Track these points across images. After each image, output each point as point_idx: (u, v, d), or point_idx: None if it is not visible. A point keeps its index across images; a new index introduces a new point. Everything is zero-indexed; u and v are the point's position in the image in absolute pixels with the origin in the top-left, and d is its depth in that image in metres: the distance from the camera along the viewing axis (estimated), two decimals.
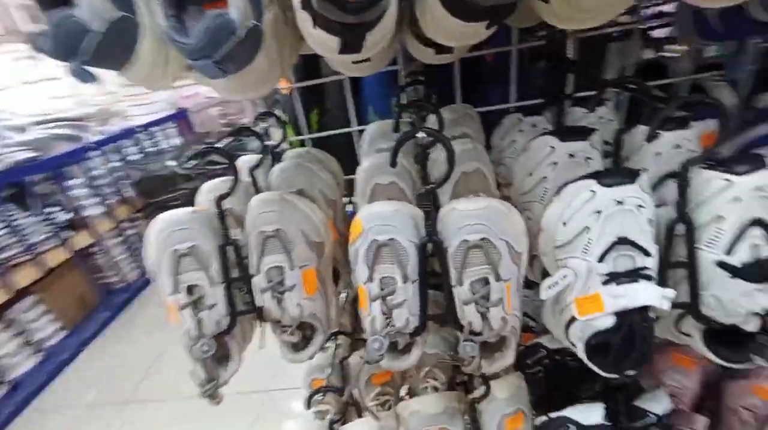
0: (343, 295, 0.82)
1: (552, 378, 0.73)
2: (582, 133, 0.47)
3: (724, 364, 0.41)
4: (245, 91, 0.37)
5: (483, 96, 0.71)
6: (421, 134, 0.36)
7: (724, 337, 0.42)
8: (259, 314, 0.50)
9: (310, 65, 0.69)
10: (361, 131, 0.69)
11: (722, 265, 0.38)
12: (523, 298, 0.62)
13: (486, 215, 0.39)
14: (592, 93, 0.53)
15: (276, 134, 0.73)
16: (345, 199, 0.70)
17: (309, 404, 0.66)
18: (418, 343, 0.47)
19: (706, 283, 0.40)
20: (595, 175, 0.39)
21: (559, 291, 0.42)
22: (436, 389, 0.72)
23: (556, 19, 0.35)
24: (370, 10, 0.28)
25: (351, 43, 0.30)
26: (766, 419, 0.66)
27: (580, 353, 0.42)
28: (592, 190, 0.39)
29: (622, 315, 0.38)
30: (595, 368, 0.41)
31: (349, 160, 0.70)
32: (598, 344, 0.41)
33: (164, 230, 0.47)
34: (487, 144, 0.66)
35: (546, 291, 0.43)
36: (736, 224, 0.37)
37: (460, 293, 0.40)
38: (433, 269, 0.44)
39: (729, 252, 0.38)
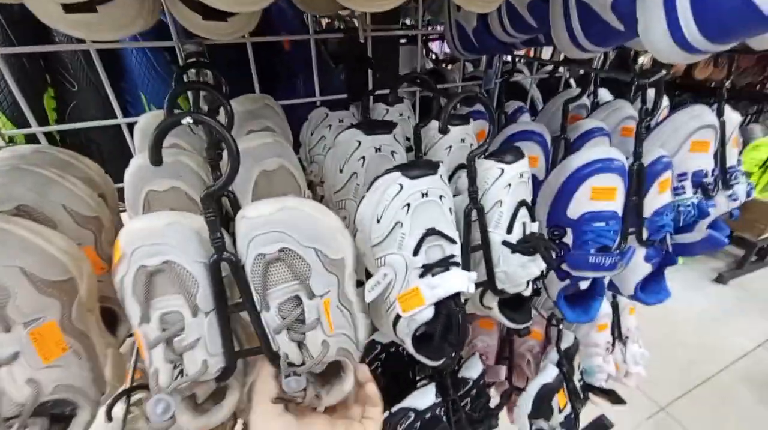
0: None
1: (389, 370, 0.74)
2: (385, 126, 0.46)
3: (515, 326, 0.48)
4: None
5: (285, 90, 0.65)
6: (186, 120, 0.26)
7: (511, 304, 0.49)
8: None
9: (28, 28, 0.48)
10: (131, 125, 0.53)
11: (505, 243, 0.43)
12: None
13: (282, 219, 0.32)
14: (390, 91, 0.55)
15: None
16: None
17: None
18: (233, 386, 0.37)
19: (497, 261, 0.45)
20: (400, 168, 0.39)
21: (382, 291, 0.40)
22: None
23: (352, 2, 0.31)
24: None
25: None
26: (539, 355, 0.84)
27: (409, 347, 0.42)
28: (400, 184, 0.38)
29: (439, 304, 0.39)
30: (423, 360, 0.41)
31: (120, 167, 0.52)
32: (421, 335, 0.41)
33: None
34: (296, 141, 0.60)
35: (369, 293, 0.40)
36: (511, 206, 0.43)
37: (268, 319, 0.33)
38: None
39: (509, 231, 0.43)
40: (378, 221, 0.39)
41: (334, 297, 0.34)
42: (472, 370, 0.67)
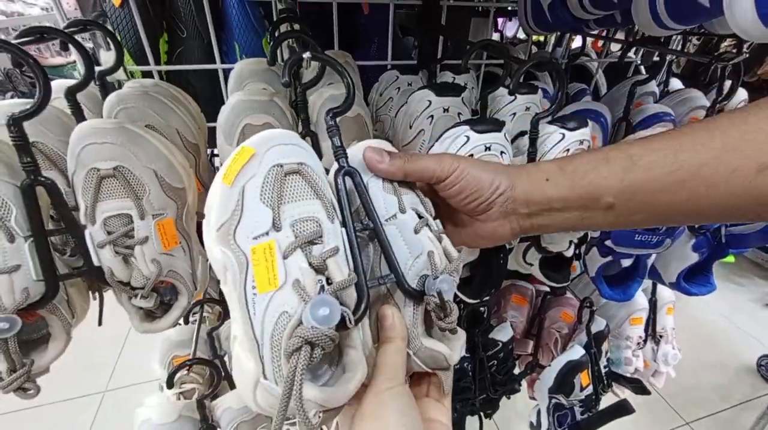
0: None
1: None
2: (455, 89, 0.50)
3: (552, 283, 0.51)
4: None
5: (360, 51, 0.70)
6: (306, 55, 0.32)
7: (552, 264, 0.52)
8: (97, 276, 0.39)
9: None
10: (226, 71, 0.60)
11: None
12: None
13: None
14: (459, 60, 0.58)
15: (106, 59, 0.56)
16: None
17: (170, 384, 0.56)
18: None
19: None
20: (469, 122, 0.43)
21: None
22: None
23: None
24: None
25: None
26: (567, 337, 0.87)
27: None
28: (467, 136, 0.42)
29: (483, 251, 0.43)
30: (463, 297, 0.46)
31: (210, 107, 0.60)
32: (464, 278, 0.46)
33: None
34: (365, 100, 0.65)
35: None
36: None
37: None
38: None
39: None
40: None
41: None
42: (503, 333, 0.71)
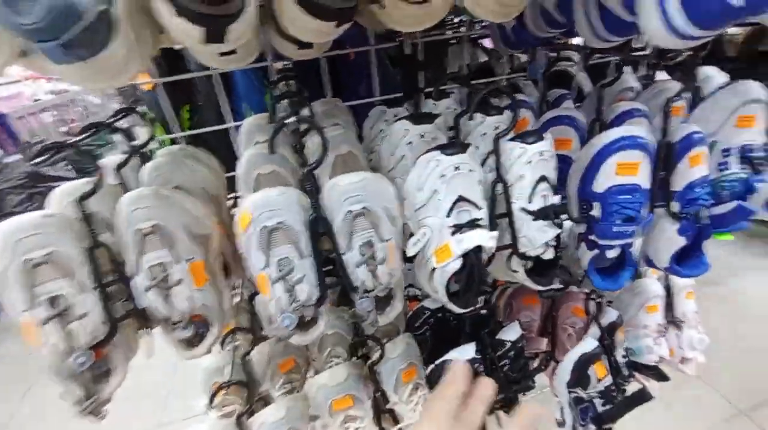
0: (237, 297, 0.82)
1: (436, 333, 0.85)
2: (429, 117, 0.57)
3: (538, 287, 0.56)
4: (100, 80, 0.36)
5: (350, 92, 0.79)
6: (293, 120, 0.40)
7: (538, 269, 0.57)
8: (144, 316, 0.49)
9: (173, 60, 0.67)
10: (237, 128, 0.70)
11: (526, 211, 0.52)
12: (407, 271, 0.73)
13: (363, 186, 0.46)
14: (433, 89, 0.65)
15: (141, 134, 0.68)
16: (230, 197, 0.70)
17: (212, 405, 0.64)
18: (322, 312, 0.51)
19: (520, 227, 0.53)
20: (439, 148, 0.50)
21: (422, 247, 0.51)
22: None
23: (392, 22, 0.43)
24: (230, 1, 0.31)
25: (214, 33, 0.33)
26: (582, 331, 0.89)
27: (443, 297, 0.52)
28: (438, 159, 0.49)
29: (465, 258, 0.49)
30: (452, 307, 0.52)
31: (226, 158, 0.70)
32: (453, 292, 0.52)
33: (10, 238, 0.42)
34: (359, 134, 0.74)
35: (412, 248, 0.52)
36: (531, 180, 0.51)
37: (352, 257, 0.46)
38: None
39: (530, 202, 0.52)
40: (420, 190, 0.50)
41: (395, 242, 0.47)
42: (510, 333, 0.75)
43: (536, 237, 0.51)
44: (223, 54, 0.40)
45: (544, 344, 0.88)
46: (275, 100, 0.55)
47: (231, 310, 0.63)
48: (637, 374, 0.92)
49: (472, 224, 0.49)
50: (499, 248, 0.51)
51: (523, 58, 1.09)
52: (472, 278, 0.49)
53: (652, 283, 0.94)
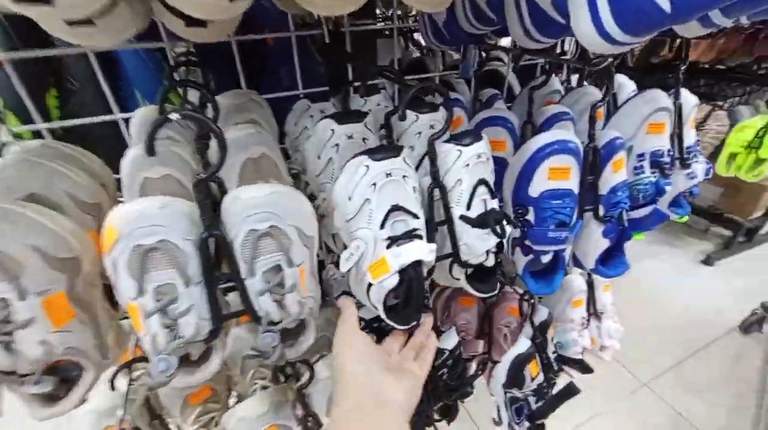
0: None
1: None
2: (357, 116, 0.51)
3: (481, 295, 0.53)
4: None
5: (271, 83, 0.70)
6: (174, 116, 0.31)
7: (479, 275, 0.54)
8: None
9: (32, 33, 0.52)
10: (127, 120, 0.57)
11: (465, 218, 0.48)
12: (341, 278, 0.66)
13: (273, 200, 0.38)
14: (369, 83, 0.59)
15: None
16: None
17: None
18: (217, 347, 0.43)
19: (460, 234, 0.50)
20: (367, 152, 0.43)
21: (356, 261, 0.45)
22: (264, 388, 0.69)
23: (308, 3, 0.36)
24: None
25: None
26: (517, 331, 0.90)
27: (381, 313, 0.47)
28: (366, 165, 0.43)
29: (402, 273, 0.44)
30: (392, 324, 0.46)
31: (117, 157, 0.57)
32: (391, 305, 0.46)
33: None
34: (281, 132, 0.65)
35: (345, 263, 0.45)
36: (470, 184, 0.48)
37: (253, 284, 0.38)
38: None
39: (468, 208, 0.48)
40: (350, 199, 0.44)
41: (308, 266, 0.40)
42: (448, 341, 0.72)
43: (477, 245, 0.48)
44: (72, 24, 0.29)
45: (480, 346, 0.88)
46: (165, 89, 0.44)
47: (122, 341, 0.51)
48: (565, 367, 0.95)
49: (409, 236, 0.43)
50: (439, 258, 0.47)
51: (455, 56, 1.08)
52: (411, 292, 0.44)
53: (576, 278, 0.98)
